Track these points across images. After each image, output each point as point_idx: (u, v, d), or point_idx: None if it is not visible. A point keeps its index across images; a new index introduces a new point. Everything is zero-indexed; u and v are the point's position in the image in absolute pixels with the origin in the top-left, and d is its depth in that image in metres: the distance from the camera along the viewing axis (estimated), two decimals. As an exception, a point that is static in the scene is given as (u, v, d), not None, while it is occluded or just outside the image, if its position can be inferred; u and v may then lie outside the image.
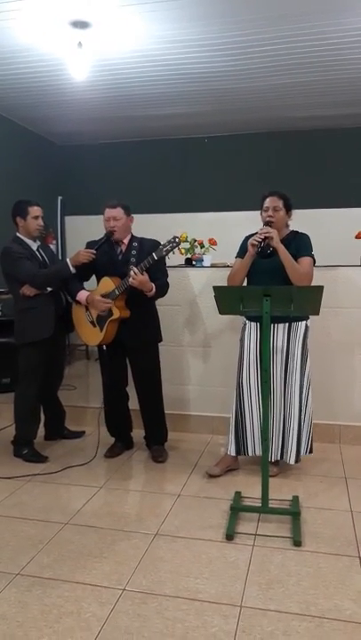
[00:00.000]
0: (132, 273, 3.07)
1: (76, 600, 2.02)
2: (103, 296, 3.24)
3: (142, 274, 3.08)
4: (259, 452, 3.11)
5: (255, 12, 3.76)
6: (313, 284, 2.95)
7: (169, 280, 3.38)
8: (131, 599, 2.02)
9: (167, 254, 3.09)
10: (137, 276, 3.06)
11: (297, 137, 6.50)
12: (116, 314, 3.22)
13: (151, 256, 3.07)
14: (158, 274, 3.25)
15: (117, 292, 3.19)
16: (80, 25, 3.90)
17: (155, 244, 3.22)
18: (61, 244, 6.48)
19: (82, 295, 3.32)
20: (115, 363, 3.44)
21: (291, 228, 3.16)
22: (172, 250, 3.07)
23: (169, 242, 3.06)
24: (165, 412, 3.54)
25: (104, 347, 3.37)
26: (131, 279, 3.07)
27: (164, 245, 3.06)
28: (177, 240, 3.05)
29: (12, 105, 5.67)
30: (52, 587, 2.10)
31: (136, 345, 3.34)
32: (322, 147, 6.42)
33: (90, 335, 3.38)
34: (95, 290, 3.34)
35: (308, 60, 4.53)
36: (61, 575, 2.18)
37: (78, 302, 3.38)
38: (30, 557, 2.31)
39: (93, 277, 3.45)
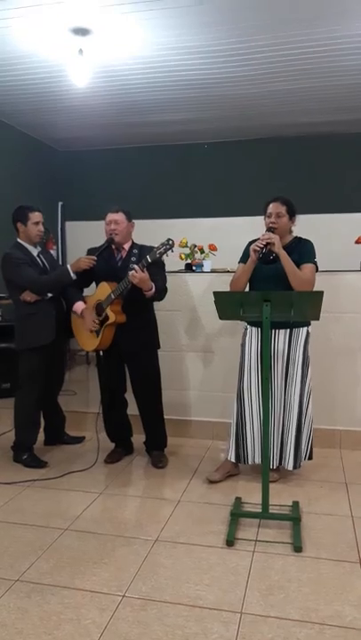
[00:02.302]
0: (136, 267, 3.05)
1: (76, 606, 2.01)
2: (99, 304, 3.26)
3: (143, 271, 3.08)
4: (258, 460, 3.10)
5: (255, 19, 3.79)
6: (314, 289, 2.95)
7: (168, 285, 3.37)
8: (130, 605, 2.01)
9: (161, 256, 3.07)
10: (137, 273, 3.05)
11: (296, 143, 6.53)
12: (112, 318, 3.22)
13: (145, 259, 3.07)
14: (157, 278, 3.25)
15: (113, 296, 3.19)
16: (81, 32, 3.92)
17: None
18: (62, 250, 6.49)
19: (78, 307, 3.35)
20: (113, 369, 3.44)
21: (294, 234, 3.17)
22: (165, 252, 3.05)
23: (162, 244, 3.05)
24: (165, 417, 3.54)
25: (100, 352, 3.37)
26: (131, 275, 3.06)
27: (158, 248, 3.06)
28: (170, 242, 3.05)
29: (12, 111, 5.70)
30: (51, 593, 2.09)
31: (134, 351, 3.34)
32: (322, 152, 6.45)
33: (86, 340, 3.38)
34: (93, 295, 3.35)
35: (309, 67, 4.56)
36: (61, 581, 2.17)
37: (74, 312, 3.39)
38: (30, 563, 2.30)
39: (93, 284, 3.45)
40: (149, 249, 3.28)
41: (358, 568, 2.25)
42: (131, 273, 3.05)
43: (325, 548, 2.42)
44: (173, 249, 3.09)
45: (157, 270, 3.22)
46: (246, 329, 3.19)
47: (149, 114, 5.81)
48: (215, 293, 2.64)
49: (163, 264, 3.26)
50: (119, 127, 6.27)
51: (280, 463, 3.12)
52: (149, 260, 3.06)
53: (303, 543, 2.43)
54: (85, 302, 3.36)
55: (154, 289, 3.16)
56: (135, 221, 3.41)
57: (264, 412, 2.65)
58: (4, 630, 1.88)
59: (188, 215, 6.50)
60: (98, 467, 3.40)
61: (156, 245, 3.29)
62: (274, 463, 3.11)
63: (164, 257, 3.10)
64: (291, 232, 3.15)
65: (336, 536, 2.52)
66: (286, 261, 2.92)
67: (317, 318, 2.64)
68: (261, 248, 2.92)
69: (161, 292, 3.28)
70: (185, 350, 4.01)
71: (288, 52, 4.28)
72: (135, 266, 3.07)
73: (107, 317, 3.23)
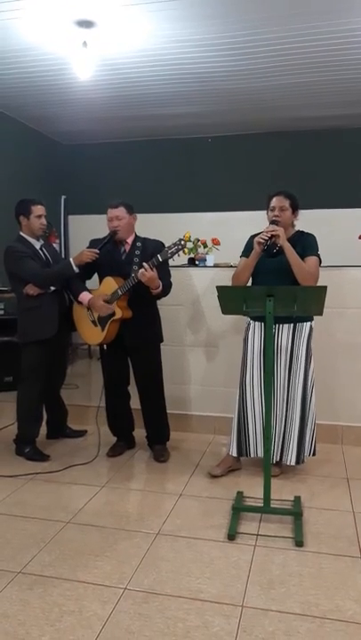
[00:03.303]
0: (145, 265, 3.05)
1: (78, 599, 2.02)
2: (105, 299, 3.25)
3: (152, 270, 3.08)
4: (260, 453, 3.11)
5: (260, 12, 3.76)
6: (318, 284, 2.94)
7: (172, 280, 3.36)
8: (132, 598, 2.02)
9: (172, 256, 3.08)
10: (147, 272, 3.04)
11: (300, 137, 6.50)
12: (119, 314, 3.22)
13: (156, 257, 3.06)
14: (162, 274, 3.24)
15: (120, 292, 3.19)
16: (85, 24, 3.90)
17: (158, 245, 3.22)
18: (64, 244, 6.48)
19: (84, 297, 3.32)
20: (116, 363, 3.44)
21: (296, 228, 3.16)
22: (177, 252, 3.06)
23: (174, 244, 3.05)
24: (167, 411, 3.54)
25: (104, 346, 3.37)
26: (140, 273, 3.06)
27: (170, 247, 3.06)
28: (182, 243, 3.04)
29: (16, 104, 5.68)
30: (53, 585, 2.10)
31: (137, 345, 3.34)
32: (326, 147, 6.42)
33: (91, 334, 3.38)
34: (97, 290, 3.33)
35: (313, 60, 4.53)
36: (63, 574, 2.18)
37: (80, 303, 3.38)
38: (32, 556, 2.31)
39: (95, 276, 3.45)
40: (153, 242, 3.28)
41: (359, 563, 2.26)
42: (140, 271, 3.05)
43: (327, 542, 2.42)
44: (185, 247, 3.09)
45: (163, 266, 3.22)
46: (249, 324, 3.18)
47: (153, 107, 5.78)
48: (218, 288, 2.63)
49: (167, 260, 3.25)
50: (122, 120, 6.25)
51: (282, 458, 3.13)
52: (160, 260, 3.05)
53: (304, 538, 2.44)
54: (91, 293, 3.36)
55: (161, 287, 3.16)
56: (138, 215, 3.39)
57: (266, 407, 2.65)
58: (6, 622, 1.89)
59: (191, 209, 6.48)
60: (100, 460, 3.41)
61: (158, 239, 3.29)
62: (275, 457, 3.11)
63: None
64: (293, 226, 3.14)
65: (337, 531, 2.53)
66: (291, 254, 2.91)
67: (321, 314, 2.64)
68: (266, 240, 2.91)
69: (167, 289, 3.28)
70: (187, 345, 4.01)
71: (293, 46, 4.25)
72: (145, 264, 3.06)
73: (113, 313, 3.23)
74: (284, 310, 2.58)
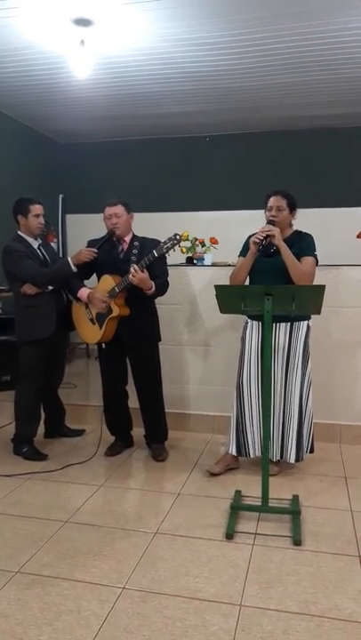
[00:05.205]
0: (132, 270, 3.06)
1: (76, 598, 2.02)
2: (103, 296, 3.24)
3: (142, 271, 3.07)
4: (259, 453, 3.11)
5: (258, 11, 3.76)
6: (315, 283, 2.94)
7: (169, 279, 3.36)
8: (130, 598, 2.02)
9: (168, 251, 3.07)
10: (137, 274, 3.05)
11: (298, 136, 6.50)
12: (116, 311, 3.21)
13: (152, 253, 3.06)
14: (159, 272, 3.25)
15: (117, 290, 3.18)
16: (82, 23, 3.89)
17: (156, 244, 3.21)
18: (62, 243, 6.47)
19: (83, 292, 3.33)
20: (114, 362, 3.44)
21: (294, 228, 3.16)
22: (172, 247, 3.05)
23: (170, 239, 3.04)
24: (166, 410, 3.54)
25: (103, 345, 3.37)
26: (130, 276, 3.06)
27: (165, 242, 3.05)
28: (178, 237, 3.04)
29: (13, 103, 5.67)
30: (51, 585, 2.10)
31: (135, 344, 3.34)
32: (323, 146, 6.42)
33: (89, 333, 3.38)
34: (95, 288, 3.34)
35: (311, 59, 4.53)
36: (61, 573, 2.18)
37: (79, 300, 3.38)
38: (30, 555, 2.31)
39: (94, 276, 3.45)
40: (151, 242, 3.27)
41: (357, 562, 2.26)
42: (130, 272, 3.04)
43: (325, 541, 2.43)
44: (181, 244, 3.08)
45: (160, 264, 3.22)
46: (247, 323, 3.18)
47: (150, 106, 5.78)
48: (217, 287, 2.63)
49: (164, 257, 3.24)
50: (120, 119, 6.24)
51: (282, 457, 3.13)
52: (155, 255, 3.05)
53: (302, 537, 2.44)
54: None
55: (154, 287, 3.16)
56: (136, 214, 3.39)
57: (264, 407, 2.65)
58: (4, 621, 1.89)
59: (189, 208, 6.47)
60: (98, 459, 3.41)
61: (156, 238, 3.28)
62: (275, 456, 3.11)
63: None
64: (291, 226, 3.14)
65: (335, 530, 2.53)
66: (286, 254, 2.91)
67: (319, 312, 2.64)
68: (261, 240, 2.91)
69: (163, 287, 3.28)
70: (185, 344, 4.01)
71: (292, 45, 4.25)
72: (134, 265, 3.06)
73: (110, 310, 3.23)
74: (282, 309, 2.58)
